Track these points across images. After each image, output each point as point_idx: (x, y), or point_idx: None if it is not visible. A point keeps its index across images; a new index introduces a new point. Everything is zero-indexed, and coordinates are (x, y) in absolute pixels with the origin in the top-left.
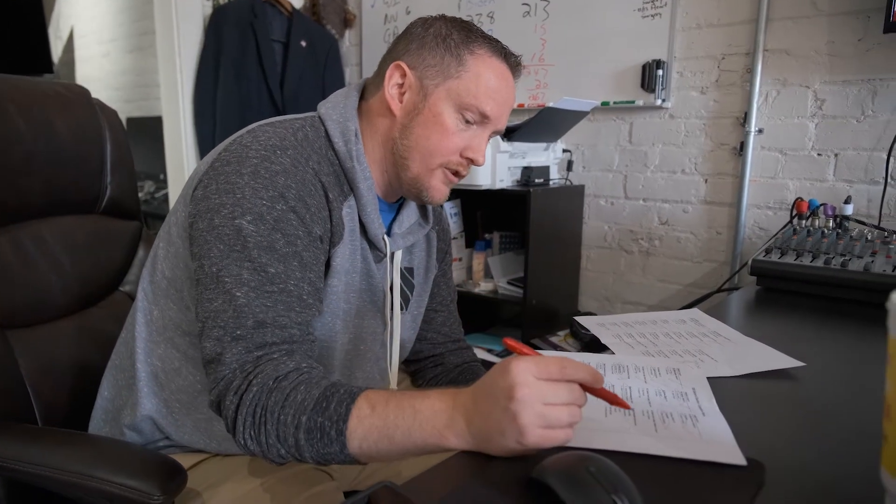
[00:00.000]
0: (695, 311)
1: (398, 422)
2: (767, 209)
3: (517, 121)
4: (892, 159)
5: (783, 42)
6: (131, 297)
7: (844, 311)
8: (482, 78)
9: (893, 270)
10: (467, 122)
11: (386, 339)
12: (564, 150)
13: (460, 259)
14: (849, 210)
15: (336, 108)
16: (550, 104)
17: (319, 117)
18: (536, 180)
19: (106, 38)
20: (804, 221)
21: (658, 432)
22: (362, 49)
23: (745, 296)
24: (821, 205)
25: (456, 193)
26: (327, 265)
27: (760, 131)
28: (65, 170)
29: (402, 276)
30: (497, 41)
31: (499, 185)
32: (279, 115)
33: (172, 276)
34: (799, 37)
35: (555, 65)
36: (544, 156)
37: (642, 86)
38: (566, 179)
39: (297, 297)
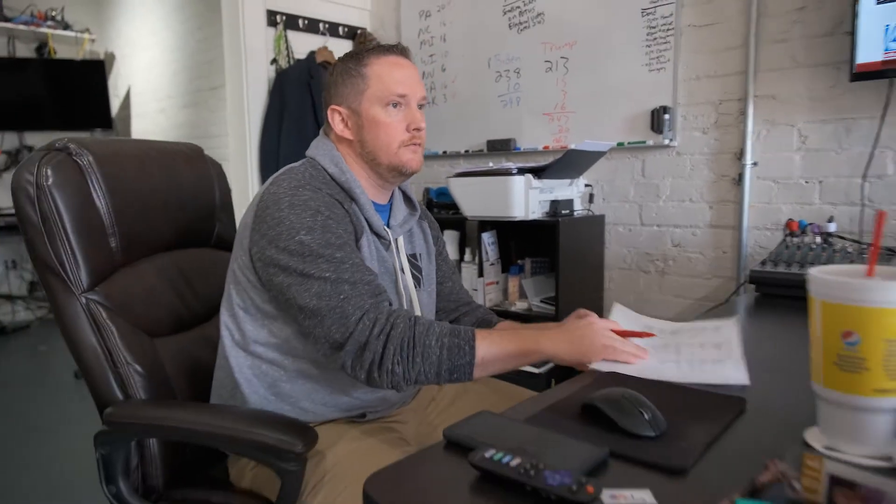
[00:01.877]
0: (729, 322)
1: (509, 336)
2: (765, 230)
3: (544, 161)
4: (866, 184)
5: (770, 89)
6: None
7: None
8: (383, 76)
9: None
10: (395, 107)
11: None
12: (586, 185)
13: (497, 282)
14: (832, 228)
15: (321, 149)
16: (573, 146)
17: (313, 158)
18: (563, 211)
19: (162, 95)
20: (795, 238)
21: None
22: None
23: (746, 301)
24: (808, 224)
25: (493, 225)
26: None
27: (755, 164)
28: (188, 212)
29: (410, 262)
30: (380, 45)
31: (531, 217)
32: None
33: (245, 306)
34: (783, 84)
35: (575, 112)
36: (569, 190)
37: (652, 128)
38: (589, 210)
39: (364, 267)
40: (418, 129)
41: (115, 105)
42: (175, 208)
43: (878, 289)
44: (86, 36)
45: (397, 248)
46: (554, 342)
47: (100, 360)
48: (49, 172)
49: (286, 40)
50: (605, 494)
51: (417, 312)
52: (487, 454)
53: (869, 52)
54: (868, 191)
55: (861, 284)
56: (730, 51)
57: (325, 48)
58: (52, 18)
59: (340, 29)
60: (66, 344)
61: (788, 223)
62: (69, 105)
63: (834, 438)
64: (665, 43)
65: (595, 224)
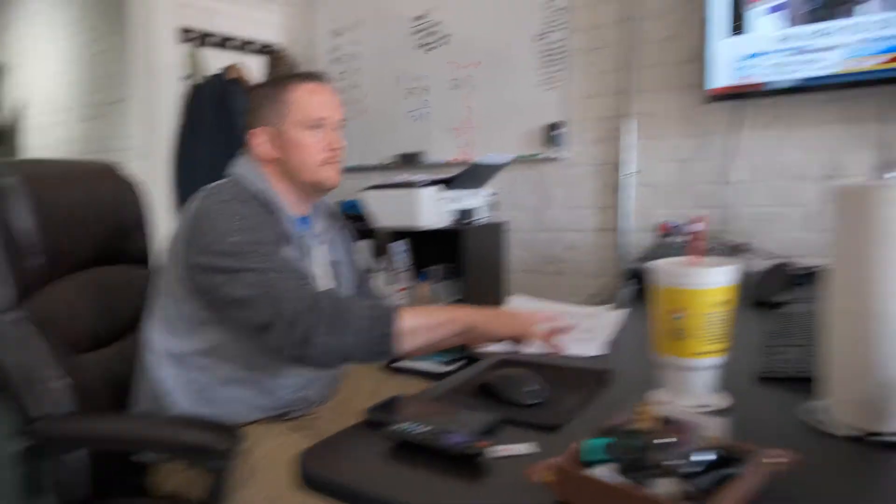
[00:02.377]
0: (604, 310)
1: (435, 308)
2: (643, 232)
3: (452, 173)
4: (724, 189)
5: (647, 107)
6: None
7: None
8: (302, 101)
9: None
10: (315, 128)
11: None
12: (491, 194)
13: (408, 288)
14: (698, 228)
15: (243, 167)
16: (477, 159)
17: (236, 175)
18: (469, 220)
19: (59, 107)
20: (667, 238)
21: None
22: None
23: (626, 294)
24: (677, 225)
25: (404, 234)
26: None
27: (635, 173)
28: (105, 230)
29: (334, 268)
30: (300, 73)
31: (439, 226)
32: None
33: (177, 315)
34: (657, 103)
35: (479, 127)
36: (475, 199)
37: (546, 142)
38: (492, 218)
39: (290, 261)
40: (335, 149)
41: (7, 117)
42: (93, 226)
43: (694, 275)
44: None
45: (311, 256)
46: (487, 318)
47: (25, 376)
48: None
49: (198, 57)
50: (494, 449)
51: None
52: (399, 426)
53: (720, 78)
54: (726, 195)
55: (682, 272)
56: (613, 73)
57: (236, 65)
58: None
59: (253, 46)
60: None
61: (661, 225)
62: None
63: (669, 394)
64: (557, 65)
65: (498, 231)
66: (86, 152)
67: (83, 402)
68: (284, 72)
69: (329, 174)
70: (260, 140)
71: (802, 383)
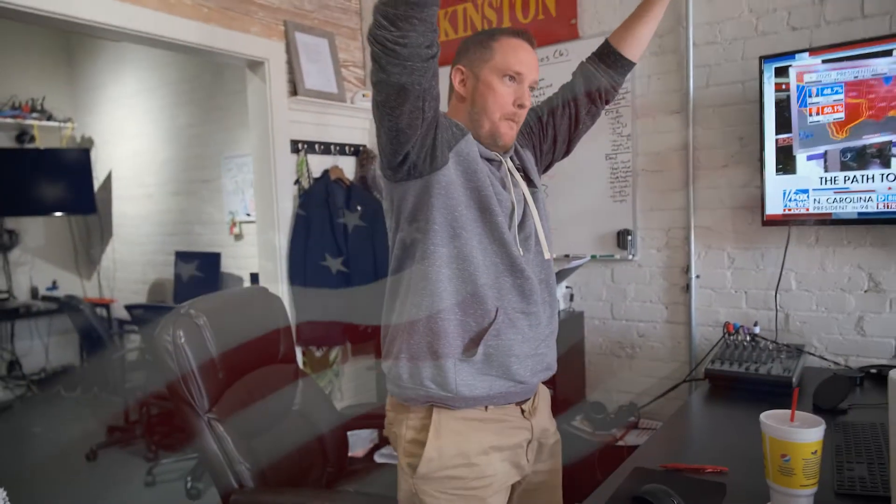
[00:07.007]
0: None
1: None
2: (707, 326)
3: None
4: (777, 295)
5: (705, 221)
6: None
7: (759, 398)
8: (507, 52)
9: (784, 372)
10: (510, 80)
11: None
12: (567, 287)
13: None
14: (757, 329)
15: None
16: (562, 267)
17: None
18: None
19: (149, 182)
20: (731, 337)
21: None
22: None
23: (702, 392)
24: (740, 326)
25: None
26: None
27: (698, 276)
28: (261, 340)
29: (522, 172)
30: (511, 28)
31: None
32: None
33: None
34: (715, 219)
35: (557, 229)
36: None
37: (618, 245)
38: (571, 308)
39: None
40: (522, 106)
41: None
42: (253, 338)
43: (797, 432)
44: (69, 125)
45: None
46: None
47: (220, 461)
48: (181, 333)
49: (307, 164)
50: None
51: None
52: None
53: (773, 206)
54: (779, 300)
55: (787, 430)
56: (674, 191)
57: (336, 167)
58: (36, 109)
59: (347, 148)
60: (197, 450)
61: (726, 325)
62: (53, 191)
63: None
64: (625, 181)
65: (577, 318)
66: (177, 222)
67: (261, 479)
68: (498, 28)
69: (507, 130)
70: (456, 79)
71: (879, 501)
